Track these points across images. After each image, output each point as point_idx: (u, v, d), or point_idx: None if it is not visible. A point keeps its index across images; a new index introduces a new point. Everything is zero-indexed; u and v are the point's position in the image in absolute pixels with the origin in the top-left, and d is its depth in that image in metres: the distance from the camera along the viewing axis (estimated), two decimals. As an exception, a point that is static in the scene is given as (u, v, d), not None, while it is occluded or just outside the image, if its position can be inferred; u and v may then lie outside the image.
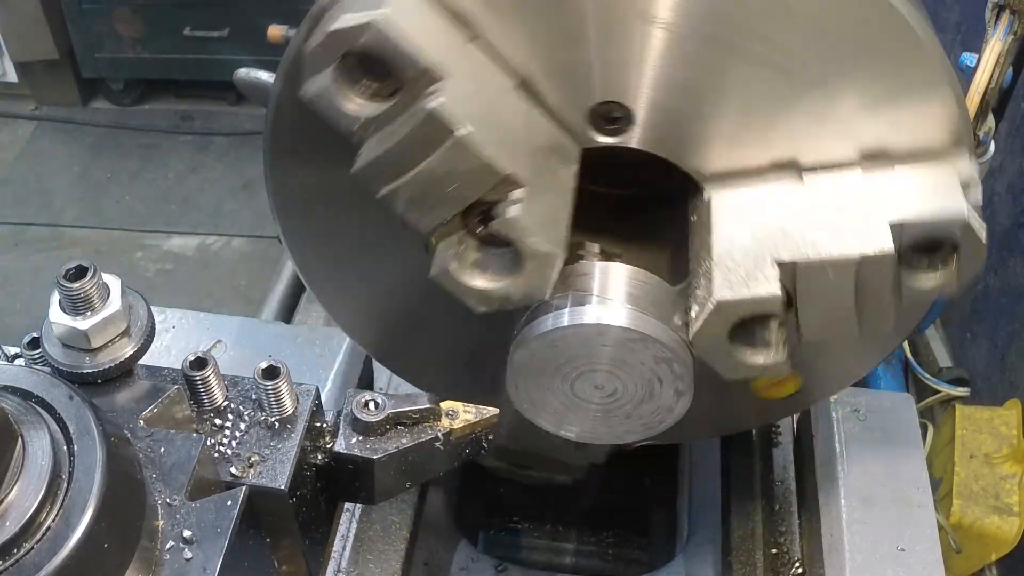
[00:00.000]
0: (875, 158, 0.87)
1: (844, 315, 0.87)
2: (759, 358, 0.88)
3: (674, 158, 0.89)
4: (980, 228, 0.83)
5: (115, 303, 0.69)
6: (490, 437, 0.82)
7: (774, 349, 0.88)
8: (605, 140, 0.88)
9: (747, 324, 0.86)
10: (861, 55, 0.83)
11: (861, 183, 0.86)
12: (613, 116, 0.87)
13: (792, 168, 0.89)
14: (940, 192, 0.84)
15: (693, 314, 0.86)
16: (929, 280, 0.87)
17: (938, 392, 2.28)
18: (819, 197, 0.87)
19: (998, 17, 1.00)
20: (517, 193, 0.79)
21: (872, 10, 0.80)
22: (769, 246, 0.85)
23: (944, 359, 2.40)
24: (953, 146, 0.86)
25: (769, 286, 0.83)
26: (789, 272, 0.84)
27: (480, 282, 0.84)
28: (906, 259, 0.85)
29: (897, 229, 0.83)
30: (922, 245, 0.84)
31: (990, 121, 1.01)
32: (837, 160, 0.88)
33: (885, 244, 0.82)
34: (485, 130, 0.78)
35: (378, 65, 0.76)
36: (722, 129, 0.88)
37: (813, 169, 0.88)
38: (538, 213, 0.80)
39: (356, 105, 0.78)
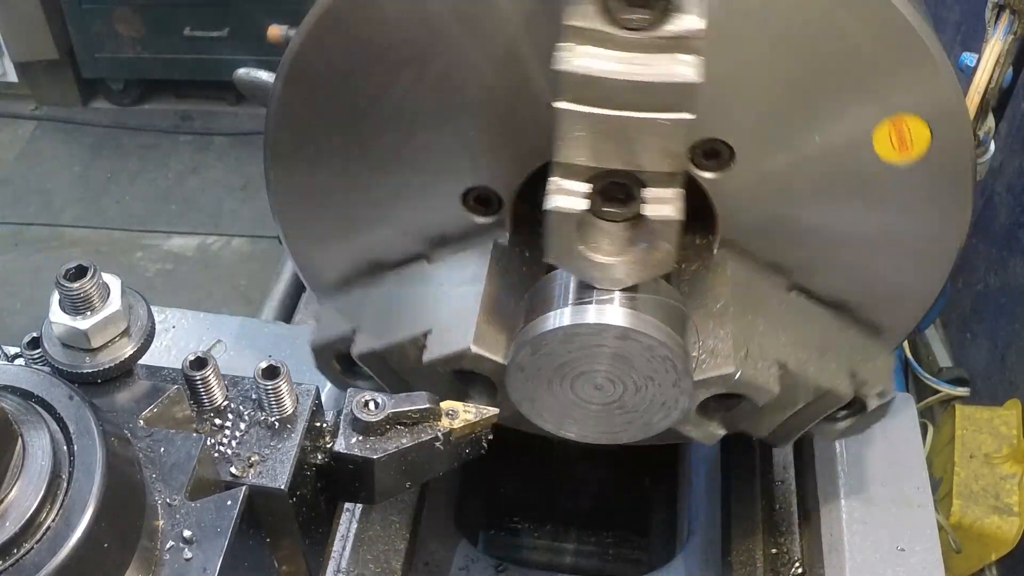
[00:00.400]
0: (842, 309, 0.99)
1: (770, 421, 1.00)
2: (700, 426, 0.98)
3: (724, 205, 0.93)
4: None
5: (115, 303, 0.69)
6: (490, 437, 0.82)
7: (716, 424, 0.99)
8: (704, 174, 0.90)
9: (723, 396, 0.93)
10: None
11: (833, 325, 0.98)
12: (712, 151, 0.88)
13: (786, 277, 0.97)
14: (887, 371, 1.00)
15: (697, 353, 0.90)
16: (841, 424, 1.02)
17: (938, 392, 2.28)
18: (804, 318, 0.97)
19: (998, 17, 1.00)
20: (675, 191, 0.77)
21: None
22: (773, 342, 0.93)
23: (944, 359, 2.40)
24: (892, 335, 1.01)
25: (773, 380, 0.91)
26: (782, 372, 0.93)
27: (589, 251, 0.81)
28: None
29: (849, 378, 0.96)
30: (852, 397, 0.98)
31: (990, 121, 1.01)
32: (819, 293, 0.98)
33: (847, 389, 0.96)
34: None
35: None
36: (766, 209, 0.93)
37: (796, 288, 0.98)
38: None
39: None
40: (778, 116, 0.86)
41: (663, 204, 0.76)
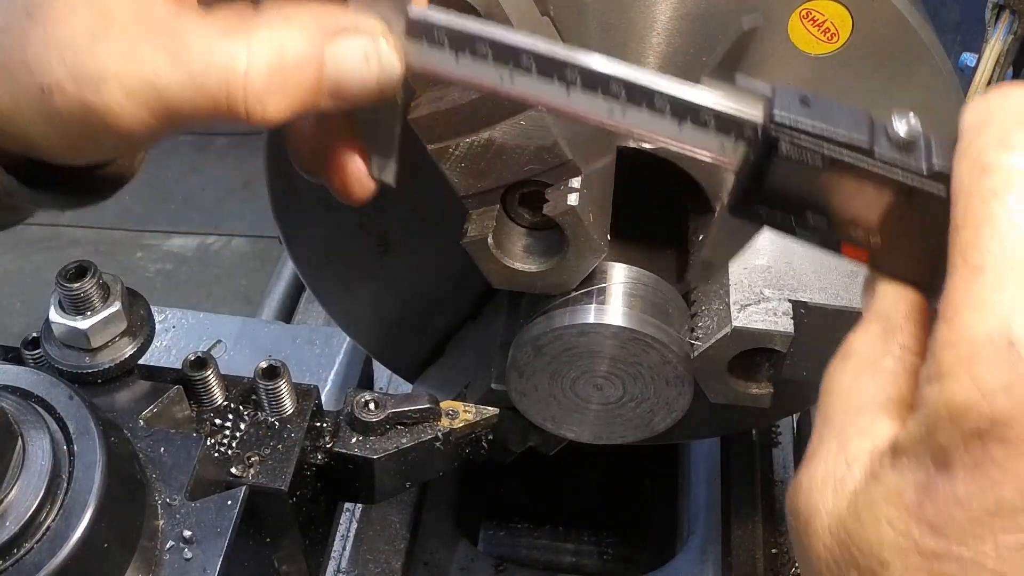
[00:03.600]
0: None
1: (821, 363, 0.91)
2: (751, 388, 0.90)
3: (696, 172, 0.90)
4: None
5: (115, 303, 0.69)
6: (490, 437, 0.83)
7: (765, 383, 0.90)
8: (644, 145, 0.88)
9: (745, 354, 0.87)
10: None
11: None
12: None
13: None
14: None
15: (699, 333, 0.87)
16: None
17: (938, 392, 2.28)
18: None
19: (998, 17, 1.00)
20: (575, 181, 0.79)
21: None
22: (785, 282, 0.87)
23: (944, 359, 2.40)
24: None
25: (785, 322, 0.86)
26: (796, 311, 0.86)
27: (513, 262, 0.83)
28: None
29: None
30: None
31: (990, 121, 1.01)
32: None
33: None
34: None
35: None
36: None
37: None
38: (590, 203, 0.80)
39: None
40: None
41: (560, 198, 0.78)
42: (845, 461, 0.50)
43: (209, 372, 0.73)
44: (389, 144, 0.67)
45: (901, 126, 0.51)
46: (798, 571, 1.21)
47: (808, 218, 0.57)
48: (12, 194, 0.59)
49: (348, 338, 1.28)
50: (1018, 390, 0.42)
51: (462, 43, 0.56)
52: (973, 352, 0.43)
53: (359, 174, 0.67)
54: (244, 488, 0.65)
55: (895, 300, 0.53)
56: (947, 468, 0.43)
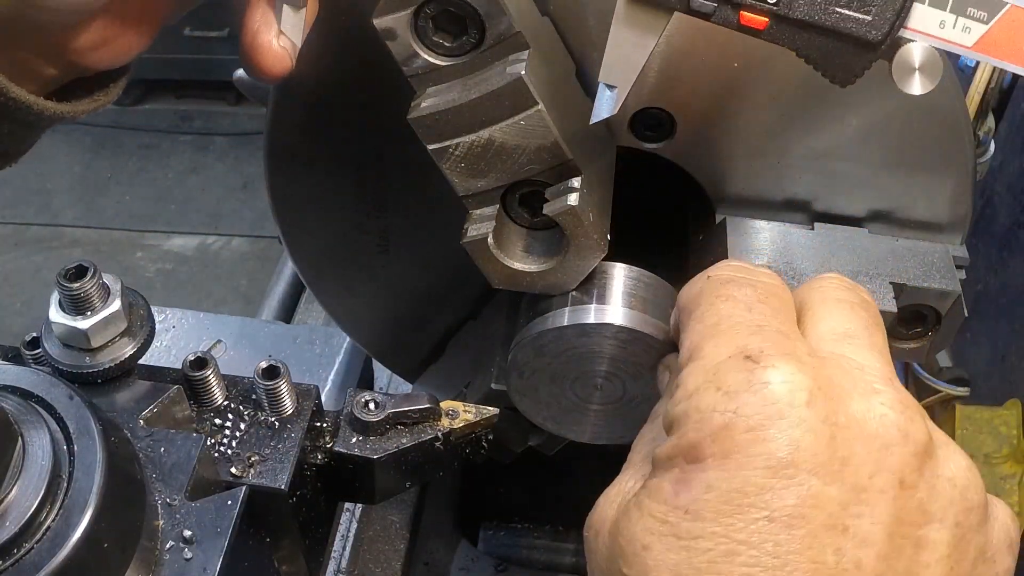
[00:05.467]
0: (880, 220, 0.92)
1: None
2: None
3: (698, 173, 0.90)
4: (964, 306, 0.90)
5: (115, 303, 0.69)
6: (490, 437, 0.82)
7: None
8: (645, 145, 0.88)
9: None
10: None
11: (867, 241, 0.91)
12: (654, 123, 0.87)
13: (805, 211, 0.91)
14: (938, 266, 0.90)
15: None
16: (904, 346, 0.94)
17: (938, 392, 2.28)
18: (829, 245, 0.90)
19: (998, 17, 1.00)
20: (575, 181, 0.79)
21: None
22: (786, 282, 0.86)
23: (944, 359, 2.40)
24: (953, 226, 0.91)
25: None
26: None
27: (513, 262, 0.83)
28: (890, 325, 0.89)
29: (896, 291, 0.88)
30: (908, 313, 0.90)
31: (990, 121, 1.01)
32: (847, 214, 0.92)
33: (889, 303, 0.87)
34: (554, 109, 0.77)
35: (455, 21, 0.75)
36: (747, 153, 0.89)
37: (823, 217, 0.92)
38: (590, 203, 0.80)
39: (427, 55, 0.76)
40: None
41: (560, 197, 0.79)
42: (633, 481, 0.59)
43: (209, 372, 0.73)
44: None
45: None
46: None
47: None
48: (23, 108, 0.66)
49: (348, 338, 1.28)
50: (757, 387, 0.51)
51: None
52: (716, 369, 0.53)
53: (268, 31, 0.72)
54: (244, 488, 0.65)
55: None
56: (698, 460, 0.51)
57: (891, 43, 0.62)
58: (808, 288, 0.63)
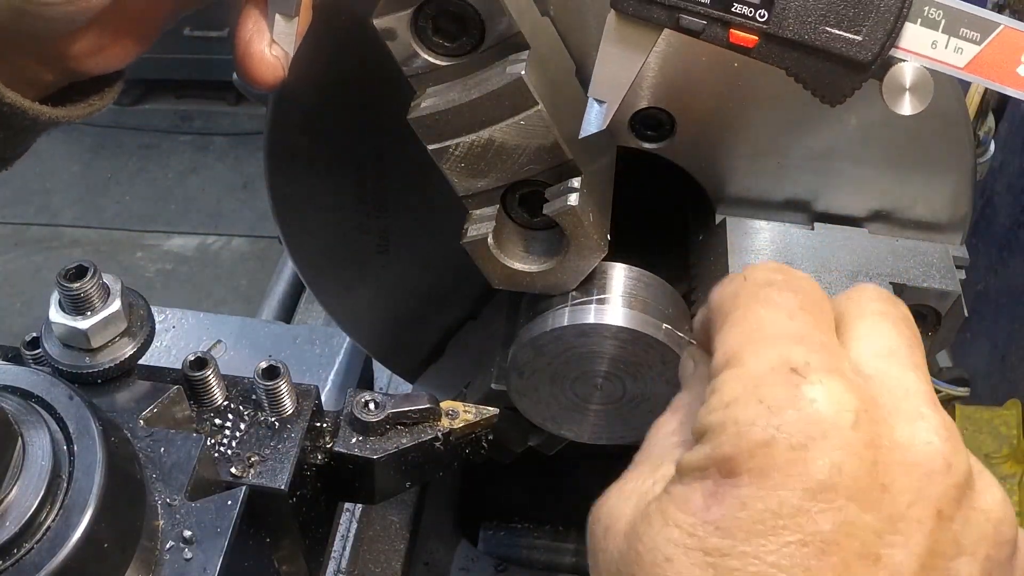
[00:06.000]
0: (880, 220, 0.92)
1: None
2: None
3: (699, 173, 0.90)
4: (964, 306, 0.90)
5: (115, 303, 0.69)
6: (490, 437, 0.82)
7: None
8: (645, 145, 0.88)
9: None
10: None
11: (867, 241, 0.91)
12: (654, 123, 0.87)
13: (805, 211, 0.91)
14: (938, 266, 0.90)
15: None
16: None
17: (938, 392, 2.28)
18: (829, 245, 0.90)
19: (998, 17, 1.00)
20: (575, 181, 0.79)
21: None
22: None
23: (944, 359, 2.40)
24: (953, 226, 0.91)
25: None
26: None
27: (513, 262, 0.83)
28: None
29: (896, 291, 0.87)
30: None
31: (990, 121, 1.01)
32: (847, 214, 0.91)
33: None
34: (554, 109, 0.77)
35: (455, 21, 0.75)
36: (747, 153, 0.88)
37: (823, 217, 0.92)
38: (590, 203, 0.80)
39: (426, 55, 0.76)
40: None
41: (560, 197, 0.79)
42: (652, 480, 0.56)
43: (209, 372, 0.73)
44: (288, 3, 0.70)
45: None
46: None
47: None
48: (18, 113, 0.66)
49: (348, 338, 1.28)
50: (802, 404, 0.49)
51: None
52: (758, 380, 0.51)
53: (260, 40, 0.73)
54: (244, 488, 0.65)
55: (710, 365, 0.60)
56: (733, 475, 0.49)
57: (882, 63, 0.62)
58: (847, 299, 0.60)
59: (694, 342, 0.81)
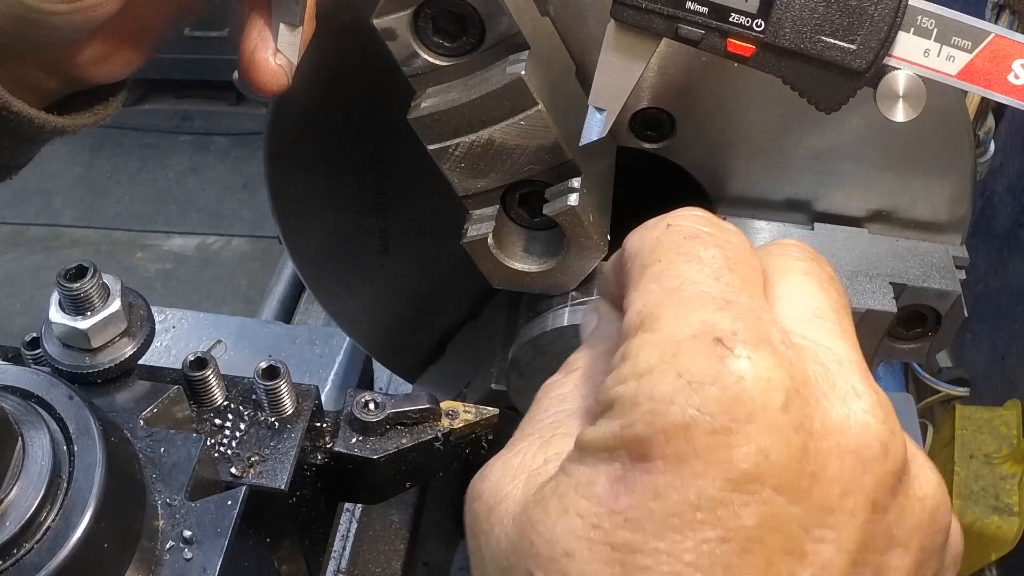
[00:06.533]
0: (881, 220, 0.92)
1: None
2: None
3: (699, 173, 0.90)
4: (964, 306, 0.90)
5: (115, 303, 0.69)
6: (490, 437, 0.82)
7: None
8: (645, 145, 0.88)
9: None
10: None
11: (867, 241, 0.91)
12: (654, 123, 0.87)
13: (805, 211, 0.91)
14: (938, 266, 0.90)
15: None
16: (904, 346, 0.93)
17: (938, 392, 2.28)
18: (829, 246, 0.90)
19: (998, 17, 1.00)
20: (575, 181, 0.79)
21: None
22: None
23: (944, 359, 2.40)
24: (953, 226, 0.91)
25: None
26: None
27: (513, 262, 0.83)
28: (890, 325, 0.90)
29: (896, 291, 0.88)
30: (908, 313, 0.90)
31: (990, 121, 1.02)
32: (847, 214, 0.92)
33: (889, 303, 0.87)
34: (554, 109, 0.77)
35: (455, 21, 0.75)
36: (747, 153, 0.89)
37: (823, 217, 0.92)
38: (590, 203, 0.80)
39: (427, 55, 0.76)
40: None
41: (560, 197, 0.79)
42: (544, 457, 0.50)
43: (209, 372, 0.73)
44: (293, 9, 0.71)
45: None
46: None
47: (689, 8, 0.62)
48: (24, 122, 0.67)
49: (348, 338, 1.28)
50: (727, 381, 0.42)
51: None
52: (677, 348, 0.44)
53: (265, 49, 0.73)
54: (244, 488, 0.65)
55: (618, 323, 0.53)
56: (645, 459, 0.43)
57: (876, 71, 0.63)
58: (768, 254, 0.54)
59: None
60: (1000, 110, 1.04)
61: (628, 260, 0.52)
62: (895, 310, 0.87)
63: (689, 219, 0.52)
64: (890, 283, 0.88)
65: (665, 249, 0.50)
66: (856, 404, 0.45)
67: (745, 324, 0.45)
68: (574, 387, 0.54)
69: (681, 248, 0.50)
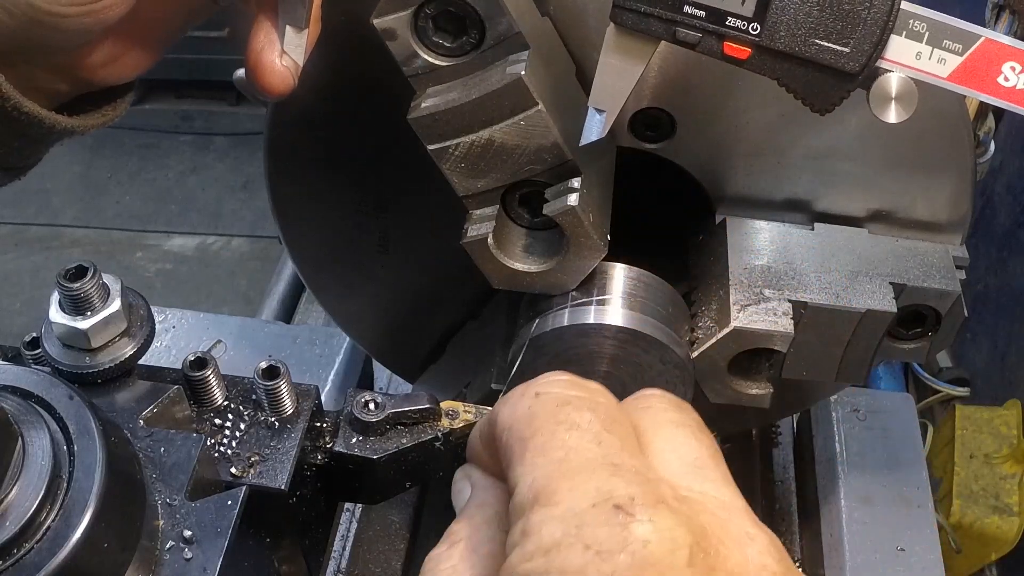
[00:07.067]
0: (881, 220, 0.92)
1: (829, 361, 0.91)
2: (751, 389, 0.90)
3: (699, 173, 0.90)
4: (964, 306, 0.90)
5: (115, 303, 0.69)
6: (490, 437, 0.82)
7: (765, 382, 0.90)
8: (645, 145, 0.88)
9: (745, 354, 0.87)
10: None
11: (867, 241, 0.91)
12: (654, 123, 0.87)
13: (805, 211, 0.91)
14: (938, 266, 0.90)
15: (699, 333, 0.87)
16: (904, 346, 0.93)
17: (938, 392, 2.28)
18: (829, 245, 0.91)
19: (998, 17, 1.00)
20: (575, 181, 0.79)
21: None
22: (785, 282, 0.87)
23: (944, 359, 2.40)
24: (953, 226, 0.92)
25: (784, 322, 0.85)
26: (796, 311, 0.86)
27: (513, 262, 0.83)
28: (890, 325, 0.89)
29: (896, 291, 0.88)
30: (908, 313, 0.90)
31: (990, 121, 1.02)
32: (847, 214, 0.92)
33: (889, 303, 0.87)
34: (554, 109, 0.77)
35: (455, 21, 0.75)
36: (747, 153, 0.89)
37: (823, 217, 0.92)
38: (590, 203, 0.80)
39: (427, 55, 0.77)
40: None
41: (560, 198, 0.79)
42: None
43: (209, 372, 0.73)
44: (299, 12, 0.72)
45: None
46: (799, 565, 1.21)
47: (687, 12, 0.63)
48: (35, 123, 0.67)
49: (348, 338, 1.28)
50: (634, 547, 0.44)
51: None
52: (580, 521, 0.45)
53: (271, 51, 0.73)
54: (244, 488, 0.65)
55: (495, 490, 0.55)
56: None
57: (868, 74, 0.64)
58: (635, 408, 0.56)
59: (694, 342, 0.81)
60: (1000, 110, 1.04)
61: (502, 432, 0.53)
62: (895, 310, 0.87)
63: (557, 384, 0.53)
64: (890, 283, 0.88)
65: (541, 420, 0.51)
66: (751, 548, 0.47)
67: (640, 488, 0.46)
68: (460, 559, 0.54)
69: (557, 417, 0.51)
